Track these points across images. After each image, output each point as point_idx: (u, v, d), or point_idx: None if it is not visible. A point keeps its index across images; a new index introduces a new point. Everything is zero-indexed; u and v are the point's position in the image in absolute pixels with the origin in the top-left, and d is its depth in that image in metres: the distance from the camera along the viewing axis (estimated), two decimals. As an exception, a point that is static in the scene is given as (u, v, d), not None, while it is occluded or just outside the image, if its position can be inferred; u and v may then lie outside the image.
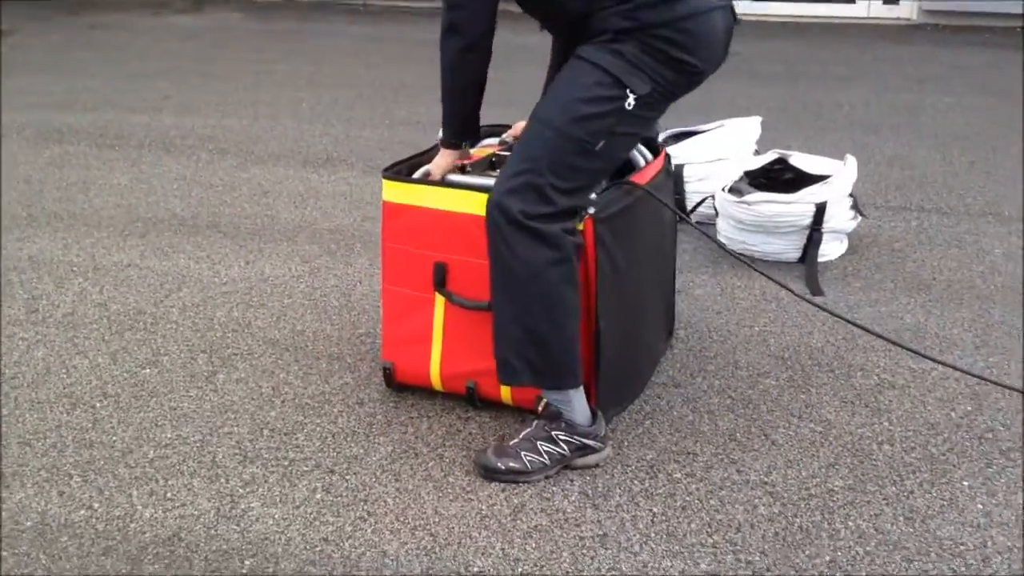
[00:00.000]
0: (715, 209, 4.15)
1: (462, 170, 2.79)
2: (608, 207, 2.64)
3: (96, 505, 2.46)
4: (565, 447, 2.55)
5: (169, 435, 2.75)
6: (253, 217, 4.46)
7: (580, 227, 2.57)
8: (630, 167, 3.03)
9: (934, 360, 2.82)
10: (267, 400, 2.93)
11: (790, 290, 2.79)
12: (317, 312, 3.50)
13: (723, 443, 2.70)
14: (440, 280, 2.76)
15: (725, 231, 4.08)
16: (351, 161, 5.30)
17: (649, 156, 3.06)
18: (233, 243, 4.14)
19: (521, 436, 2.58)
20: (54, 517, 2.41)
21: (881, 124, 6.07)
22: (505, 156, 2.87)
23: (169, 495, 2.50)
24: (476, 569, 2.22)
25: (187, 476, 2.57)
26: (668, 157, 3.08)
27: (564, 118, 2.34)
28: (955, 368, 2.86)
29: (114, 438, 2.74)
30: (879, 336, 2.80)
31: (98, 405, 2.91)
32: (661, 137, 4.66)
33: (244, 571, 2.23)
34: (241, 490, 2.51)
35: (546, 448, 2.54)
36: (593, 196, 2.65)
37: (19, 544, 2.32)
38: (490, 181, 2.70)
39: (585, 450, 2.57)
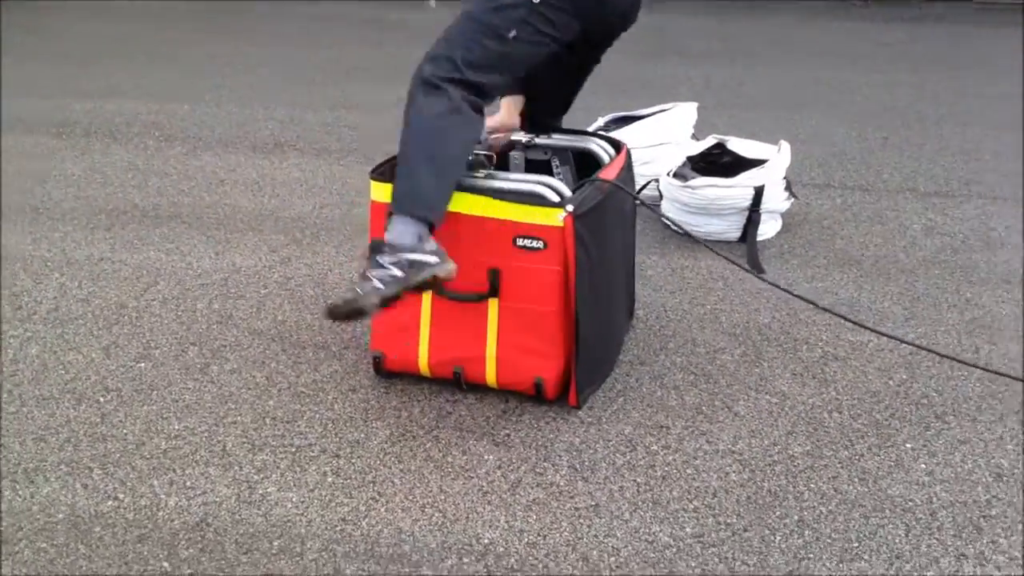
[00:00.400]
0: (660, 192, 4.42)
1: None
2: (584, 204, 2.88)
3: (121, 496, 2.63)
4: (394, 268, 2.62)
5: (176, 427, 2.93)
6: (213, 206, 4.60)
7: (561, 221, 2.80)
8: (597, 164, 3.28)
9: (935, 351, 3.13)
10: (263, 390, 3.12)
11: (754, 273, 3.06)
12: (295, 302, 3.68)
13: (691, 416, 2.98)
14: (427, 274, 2.96)
15: (670, 213, 4.35)
16: (300, 146, 5.45)
17: (612, 152, 3.31)
18: (199, 234, 4.28)
19: (358, 275, 2.72)
20: (84, 509, 2.58)
21: (801, 102, 6.41)
22: (480, 155, 3.09)
23: (189, 484, 2.68)
24: (486, 540, 2.47)
25: (202, 465, 2.76)
26: (630, 153, 3.33)
27: (482, 9, 2.73)
28: (946, 356, 3.17)
29: (125, 431, 2.91)
30: (842, 316, 3.10)
31: (102, 400, 3.06)
32: (602, 121, 4.91)
33: (274, 551, 2.43)
34: (256, 476, 2.71)
35: (376, 274, 2.62)
36: (569, 194, 2.89)
37: (56, 536, 2.48)
38: (470, 181, 2.93)
39: (418, 266, 2.65)
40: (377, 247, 2.66)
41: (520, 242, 2.85)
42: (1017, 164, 5.19)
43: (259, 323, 3.52)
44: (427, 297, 2.99)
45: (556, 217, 2.80)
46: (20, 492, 2.65)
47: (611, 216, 3.12)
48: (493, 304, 2.92)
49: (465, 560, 2.40)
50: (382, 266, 2.62)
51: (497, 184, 2.94)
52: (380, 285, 2.61)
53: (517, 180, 2.95)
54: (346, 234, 4.27)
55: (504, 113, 3.25)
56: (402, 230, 2.66)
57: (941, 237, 4.29)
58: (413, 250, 2.65)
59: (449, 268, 2.74)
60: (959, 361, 3.09)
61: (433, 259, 2.66)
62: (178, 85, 6.55)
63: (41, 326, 3.51)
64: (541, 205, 2.84)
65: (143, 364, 3.27)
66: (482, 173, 2.99)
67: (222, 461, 2.78)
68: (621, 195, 3.18)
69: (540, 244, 2.83)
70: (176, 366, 3.25)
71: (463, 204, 2.88)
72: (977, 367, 3.11)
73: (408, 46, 6.99)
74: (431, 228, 2.74)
